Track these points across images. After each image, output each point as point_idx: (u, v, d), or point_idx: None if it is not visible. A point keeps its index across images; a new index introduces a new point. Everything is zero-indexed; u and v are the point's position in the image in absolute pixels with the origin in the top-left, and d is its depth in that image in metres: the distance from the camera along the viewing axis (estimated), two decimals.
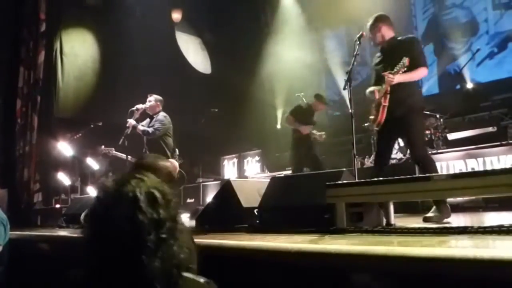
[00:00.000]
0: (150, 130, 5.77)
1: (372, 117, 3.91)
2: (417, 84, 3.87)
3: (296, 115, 6.71)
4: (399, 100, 3.65)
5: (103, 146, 6.16)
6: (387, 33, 3.91)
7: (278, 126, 10.96)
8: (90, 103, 8.48)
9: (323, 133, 6.73)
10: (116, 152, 6.04)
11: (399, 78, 3.59)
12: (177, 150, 6.28)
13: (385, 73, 3.63)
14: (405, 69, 3.56)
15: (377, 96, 3.80)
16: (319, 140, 6.66)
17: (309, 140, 6.60)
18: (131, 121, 5.77)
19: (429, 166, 3.55)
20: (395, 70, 3.57)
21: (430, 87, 8.38)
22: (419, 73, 3.73)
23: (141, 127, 5.79)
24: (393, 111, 3.67)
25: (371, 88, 3.93)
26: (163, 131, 5.85)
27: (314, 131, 6.65)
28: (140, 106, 5.86)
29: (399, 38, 3.93)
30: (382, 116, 3.70)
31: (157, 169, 2.17)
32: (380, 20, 3.92)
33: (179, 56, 10.25)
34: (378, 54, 4.05)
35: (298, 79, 10.11)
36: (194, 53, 10.91)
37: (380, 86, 3.78)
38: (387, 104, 3.67)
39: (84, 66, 8.61)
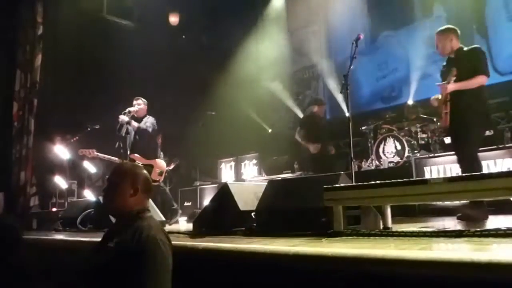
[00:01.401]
0: (148, 126, 5.85)
1: (439, 123, 4.29)
2: (481, 91, 3.95)
3: (303, 133, 6.81)
4: (460, 105, 3.85)
5: (80, 149, 6.23)
6: (455, 44, 4.08)
7: (269, 130, 10.98)
8: (87, 107, 8.46)
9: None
10: (97, 153, 6.11)
11: (453, 86, 3.83)
12: (162, 153, 6.40)
13: (438, 84, 3.94)
14: (454, 78, 3.79)
15: (436, 104, 4.09)
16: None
17: (322, 155, 6.59)
18: (124, 117, 5.79)
19: (470, 168, 3.65)
20: (447, 80, 3.84)
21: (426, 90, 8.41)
22: (477, 81, 3.85)
23: (135, 123, 5.84)
24: (455, 116, 3.86)
25: (434, 97, 4.16)
26: (155, 132, 6.02)
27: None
28: (132, 109, 5.93)
29: (465, 48, 4.09)
30: (446, 121, 3.92)
31: (133, 177, 2.20)
32: (452, 31, 4.11)
33: (176, 60, 10.25)
34: (445, 64, 4.21)
35: (297, 81, 10.14)
36: None
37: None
38: (448, 110, 3.88)
39: (81, 70, 8.59)
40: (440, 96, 4.02)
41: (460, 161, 3.97)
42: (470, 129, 3.86)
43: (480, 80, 3.86)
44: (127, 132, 5.79)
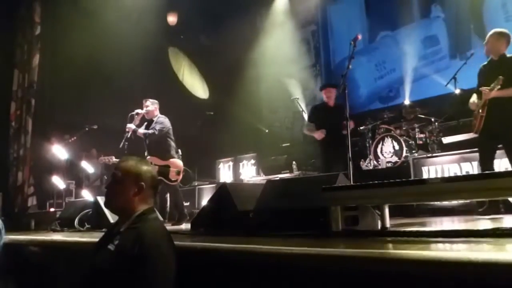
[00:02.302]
0: (151, 131, 5.80)
1: (473, 123, 4.35)
2: None
3: (308, 125, 6.74)
4: (497, 112, 4.00)
5: (102, 156, 6.15)
6: (504, 49, 4.20)
7: (266, 131, 10.97)
8: (85, 107, 8.45)
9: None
10: (116, 160, 6.00)
11: (494, 93, 3.95)
12: (179, 150, 6.30)
13: (482, 88, 4.05)
14: (499, 86, 3.88)
15: (474, 107, 4.23)
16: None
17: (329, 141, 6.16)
18: (131, 126, 5.78)
19: None
20: (491, 86, 3.93)
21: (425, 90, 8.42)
22: None
23: (141, 130, 5.82)
24: (491, 122, 4.05)
25: (472, 99, 4.33)
26: (165, 132, 5.89)
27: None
28: (140, 111, 5.91)
29: (508, 55, 4.22)
30: (480, 124, 4.11)
31: (138, 173, 2.07)
32: (506, 36, 4.21)
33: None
34: (487, 64, 4.34)
35: (295, 81, 10.14)
36: (191, 78, 11.09)
37: (480, 95, 4.15)
38: (484, 114, 4.07)
39: (78, 69, 8.58)
40: (475, 99, 4.21)
41: None
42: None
43: None
44: (126, 140, 5.76)
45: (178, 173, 5.88)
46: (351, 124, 5.47)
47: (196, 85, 11.17)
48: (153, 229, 1.95)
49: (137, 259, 1.80)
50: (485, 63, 4.37)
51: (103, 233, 2.28)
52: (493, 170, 4.19)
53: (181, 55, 10.99)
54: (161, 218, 5.01)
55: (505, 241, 1.95)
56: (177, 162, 5.96)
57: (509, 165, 4.94)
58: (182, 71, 10.96)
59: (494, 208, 3.96)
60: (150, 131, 5.80)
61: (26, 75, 7.54)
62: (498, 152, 5.05)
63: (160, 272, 1.82)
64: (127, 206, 2.02)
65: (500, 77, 3.85)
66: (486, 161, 4.27)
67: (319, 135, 6.21)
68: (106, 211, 4.45)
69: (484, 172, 4.34)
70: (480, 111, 4.09)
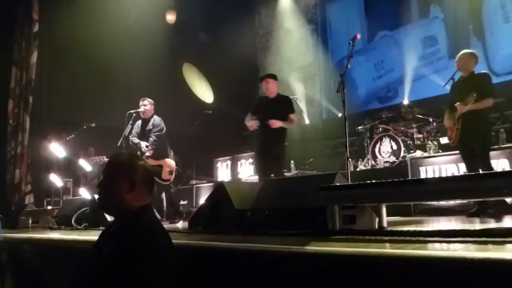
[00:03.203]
0: (153, 140, 5.88)
1: (448, 134, 4.83)
2: (487, 111, 4.62)
3: (252, 111, 5.90)
4: (470, 124, 4.46)
5: (93, 155, 6.18)
6: (473, 67, 4.70)
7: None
8: (83, 105, 8.43)
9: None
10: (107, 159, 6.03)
11: (469, 107, 4.41)
12: (172, 151, 6.34)
13: (457, 104, 4.50)
14: (473, 101, 4.37)
15: (449, 124, 4.71)
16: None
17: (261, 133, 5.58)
18: (143, 145, 5.86)
19: None
20: (466, 101, 4.41)
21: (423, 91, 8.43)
22: (485, 103, 4.47)
23: (143, 145, 5.87)
24: (466, 133, 4.50)
25: (446, 114, 4.81)
26: (162, 134, 5.99)
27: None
28: (138, 110, 5.94)
29: (476, 72, 4.71)
30: (456, 136, 4.59)
31: (131, 168, 1.93)
32: (476, 57, 4.74)
33: (172, 58, 10.23)
34: (458, 81, 4.82)
35: (293, 80, 10.14)
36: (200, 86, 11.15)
37: (453, 110, 4.62)
38: (460, 127, 4.54)
39: (76, 67, 8.56)
40: (453, 113, 4.64)
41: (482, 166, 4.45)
42: (488, 144, 4.56)
43: (489, 103, 4.48)
44: (124, 138, 5.80)
45: (170, 172, 5.95)
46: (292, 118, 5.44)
47: (204, 91, 11.22)
48: (149, 228, 1.84)
49: (130, 263, 1.68)
50: (456, 80, 4.86)
51: (100, 231, 2.22)
52: (479, 170, 4.47)
53: (194, 69, 11.07)
54: (158, 217, 5.03)
55: (500, 240, 1.95)
56: (170, 162, 6.03)
57: (505, 165, 4.97)
58: (193, 82, 11.05)
59: (483, 210, 4.13)
60: (153, 141, 5.88)
61: (24, 72, 7.50)
62: (494, 153, 5.09)
63: (155, 275, 1.70)
64: (122, 205, 1.88)
65: (474, 94, 4.35)
66: (468, 164, 4.62)
67: (251, 125, 5.65)
68: None
69: (481, 173, 4.38)
70: (456, 123, 4.58)
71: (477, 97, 4.38)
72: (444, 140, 6.14)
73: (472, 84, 4.56)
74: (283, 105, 5.60)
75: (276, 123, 5.31)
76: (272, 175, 5.27)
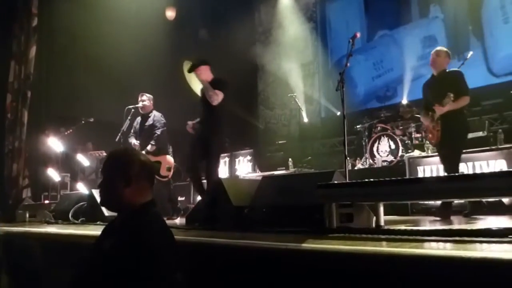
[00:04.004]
0: (157, 135, 5.88)
1: (429, 138, 4.73)
2: (463, 111, 4.50)
3: None
4: (451, 126, 4.33)
5: (92, 150, 6.15)
6: (446, 66, 4.55)
7: (261, 127, 10.99)
8: (82, 99, 8.41)
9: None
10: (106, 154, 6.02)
11: (446, 108, 4.29)
12: (171, 147, 6.33)
13: (435, 106, 4.37)
14: (451, 101, 4.24)
15: (427, 123, 4.58)
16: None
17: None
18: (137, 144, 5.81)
19: None
20: (444, 102, 4.27)
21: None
22: (462, 102, 4.34)
23: (149, 146, 5.82)
24: (447, 134, 4.36)
25: (423, 114, 4.70)
26: (165, 130, 5.99)
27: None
28: (137, 105, 5.93)
29: (448, 70, 4.56)
30: (438, 138, 4.44)
31: (125, 163, 1.89)
32: (448, 55, 4.61)
33: (172, 54, 10.22)
34: (430, 80, 4.69)
35: (292, 78, 10.14)
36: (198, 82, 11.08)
37: (431, 110, 4.50)
38: (439, 128, 4.39)
39: (75, 62, 8.54)
40: (424, 115, 4.60)
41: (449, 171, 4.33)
42: (462, 145, 4.49)
43: (466, 101, 4.36)
44: (122, 134, 5.79)
45: (169, 169, 5.93)
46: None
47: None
48: (150, 227, 1.79)
49: (129, 262, 1.64)
50: (428, 79, 4.73)
51: (96, 226, 2.22)
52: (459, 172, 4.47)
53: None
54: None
55: (497, 240, 1.96)
56: (169, 159, 6.01)
57: (503, 166, 4.98)
58: (192, 79, 10.99)
59: (477, 211, 4.07)
60: (151, 122, 5.88)
61: (23, 66, 7.48)
62: (492, 153, 5.11)
63: (153, 273, 1.66)
64: (121, 201, 1.85)
65: (451, 94, 4.21)
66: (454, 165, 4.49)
67: (188, 127, 5.27)
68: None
69: (479, 173, 4.40)
70: (435, 126, 4.46)
71: (454, 97, 4.26)
72: None
73: (446, 82, 4.43)
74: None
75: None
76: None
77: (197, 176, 4.90)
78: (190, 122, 5.21)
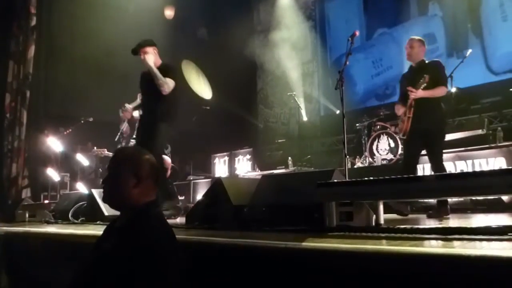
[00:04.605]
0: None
1: (399, 127, 4.46)
2: (440, 100, 4.32)
3: None
4: (423, 113, 4.11)
5: (95, 148, 6.12)
6: (422, 55, 4.38)
7: (261, 126, 11.00)
8: (81, 99, 8.41)
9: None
10: (109, 153, 6.00)
11: (421, 94, 4.07)
12: (169, 146, 6.30)
13: (409, 88, 4.12)
14: (425, 84, 4.02)
15: (401, 111, 4.31)
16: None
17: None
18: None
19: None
20: (418, 85, 4.06)
21: None
22: (439, 91, 4.17)
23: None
24: (418, 123, 4.13)
25: (397, 104, 4.48)
26: None
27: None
28: (128, 105, 5.87)
29: (427, 61, 4.38)
30: (408, 126, 4.18)
31: (135, 163, 1.88)
32: (424, 44, 4.42)
33: (171, 54, 10.21)
34: (406, 72, 4.52)
35: (292, 77, 10.13)
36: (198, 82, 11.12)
37: (406, 101, 4.25)
38: (411, 115, 4.16)
39: (74, 62, 8.53)
40: (400, 108, 4.35)
41: (435, 164, 4.19)
42: (442, 135, 4.26)
43: (443, 91, 4.20)
44: (122, 133, 5.75)
45: (165, 170, 5.89)
46: None
47: (202, 88, 11.20)
48: (152, 228, 1.77)
49: (130, 260, 1.63)
50: (407, 71, 4.54)
51: (96, 226, 2.20)
52: (417, 173, 4.29)
53: (192, 65, 11.01)
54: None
55: (497, 238, 1.96)
56: (166, 159, 5.98)
57: (502, 164, 4.99)
58: (191, 78, 11.01)
59: (443, 211, 3.87)
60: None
61: (21, 66, 7.48)
62: (491, 151, 5.11)
63: (154, 275, 1.63)
64: (127, 201, 1.84)
65: (426, 76, 4.02)
66: (410, 164, 4.32)
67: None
68: (101, 204, 4.44)
69: (479, 170, 4.39)
70: (407, 112, 4.21)
71: (429, 82, 4.03)
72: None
73: (425, 72, 4.16)
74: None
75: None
76: None
77: None
78: (128, 106, 4.87)
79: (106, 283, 1.69)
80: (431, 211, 3.97)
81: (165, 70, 4.51)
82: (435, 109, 4.21)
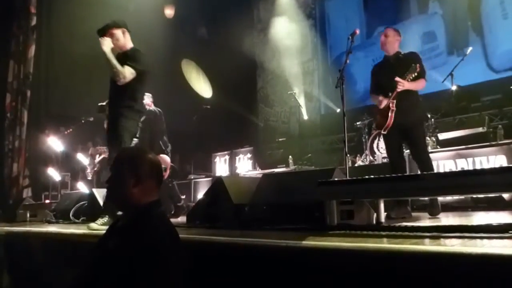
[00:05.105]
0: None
1: (379, 121, 4.19)
2: (419, 97, 4.20)
3: None
4: (406, 107, 3.95)
5: (91, 148, 6.13)
6: (397, 46, 4.25)
7: (261, 125, 11.00)
8: (81, 99, 8.40)
9: None
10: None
11: (408, 86, 3.89)
12: (169, 145, 6.31)
13: (398, 79, 3.88)
14: (415, 75, 3.85)
15: (384, 103, 4.06)
16: None
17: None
18: None
19: (430, 164, 3.96)
20: (405, 75, 3.86)
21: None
22: (421, 84, 4.03)
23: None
24: (400, 117, 3.95)
25: (376, 96, 4.23)
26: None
27: None
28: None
29: (404, 52, 4.23)
30: (391, 120, 3.98)
31: (135, 162, 1.89)
32: (399, 33, 4.30)
33: (171, 53, 10.21)
34: (382, 63, 4.34)
35: (292, 76, 10.13)
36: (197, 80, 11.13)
37: (385, 93, 4.06)
38: (394, 108, 3.96)
39: (74, 61, 8.53)
40: (379, 97, 4.14)
41: (420, 161, 4.02)
42: (423, 128, 4.22)
43: (423, 84, 4.05)
44: None
45: (164, 169, 5.89)
46: None
47: (202, 86, 11.21)
48: (155, 228, 1.77)
49: (133, 259, 1.63)
50: (380, 61, 4.42)
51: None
52: (404, 165, 4.15)
53: (192, 64, 11.02)
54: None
55: (498, 236, 1.96)
56: (165, 159, 5.98)
57: (503, 161, 4.98)
58: (191, 77, 11.03)
59: (403, 209, 3.78)
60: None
61: (22, 66, 7.49)
62: (492, 149, 5.10)
63: (157, 275, 1.63)
64: (129, 200, 1.84)
65: (413, 65, 3.85)
66: (395, 156, 4.18)
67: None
68: (102, 203, 4.44)
69: (480, 168, 4.38)
70: (391, 105, 3.98)
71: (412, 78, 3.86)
72: (442, 136, 6.15)
73: (405, 63, 3.99)
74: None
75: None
76: None
77: None
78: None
79: (108, 282, 1.70)
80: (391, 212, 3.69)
81: (125, 56, 3.99)
82: (417, 102, 4.10)
